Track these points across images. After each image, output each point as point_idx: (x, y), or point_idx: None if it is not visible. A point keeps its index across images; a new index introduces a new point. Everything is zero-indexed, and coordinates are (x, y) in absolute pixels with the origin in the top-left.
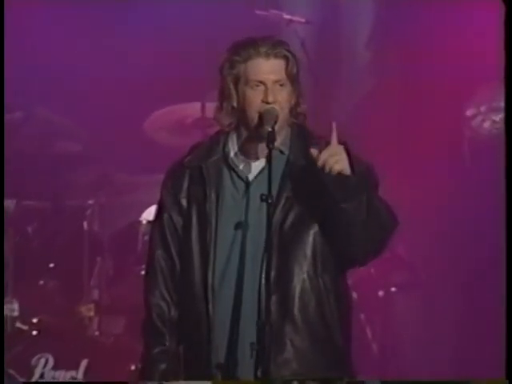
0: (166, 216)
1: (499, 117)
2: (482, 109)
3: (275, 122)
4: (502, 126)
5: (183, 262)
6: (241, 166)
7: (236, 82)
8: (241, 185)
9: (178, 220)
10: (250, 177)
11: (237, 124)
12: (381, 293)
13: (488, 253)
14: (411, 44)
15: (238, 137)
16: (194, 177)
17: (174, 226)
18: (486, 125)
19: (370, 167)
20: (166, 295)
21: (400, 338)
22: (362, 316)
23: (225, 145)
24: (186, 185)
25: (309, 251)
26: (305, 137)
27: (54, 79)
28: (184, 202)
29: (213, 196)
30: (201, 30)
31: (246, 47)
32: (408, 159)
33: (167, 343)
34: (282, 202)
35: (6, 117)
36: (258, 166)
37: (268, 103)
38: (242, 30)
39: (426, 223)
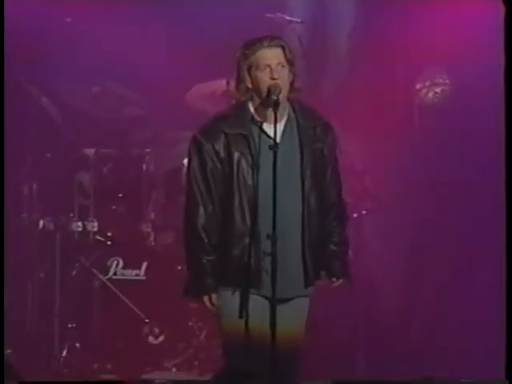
0: (209, 163)
1: (439, 89)
2: (427, 83)
3: (279, 93)
4: (440, 95)
5: (223, 200)
6: (267, 129)
7: (249, 68)
8: (269, 141)
9: (217, 166)
10: (277, 136)
11: (251, 98)
12: (355, 215)
13: (434, 198)
14: (381, 38)
15: (257, 107)
16: (231, 137)
17: (212, 171)
18: (430, 95)
19: (328, 123)
20: (206, 221)
21: (370, 249)
22: None
23: (251, 113)
24: (222, 145)
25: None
26: (305, 106)
27: (121, 61)
28: (222, 153)
29: (247, 151)
30: (229, 28)
31: (253, 43)
32: (374, 118)
33: (210, 258)
34: (306, 154)
35: (87, 90)
36: (278, 127)
37: (274, 79)
38: (254, 28)
39: (385, 164)
